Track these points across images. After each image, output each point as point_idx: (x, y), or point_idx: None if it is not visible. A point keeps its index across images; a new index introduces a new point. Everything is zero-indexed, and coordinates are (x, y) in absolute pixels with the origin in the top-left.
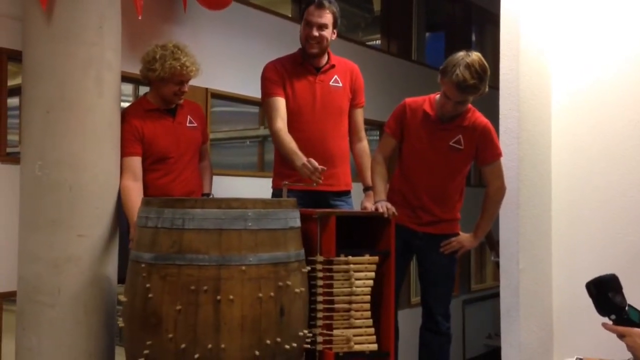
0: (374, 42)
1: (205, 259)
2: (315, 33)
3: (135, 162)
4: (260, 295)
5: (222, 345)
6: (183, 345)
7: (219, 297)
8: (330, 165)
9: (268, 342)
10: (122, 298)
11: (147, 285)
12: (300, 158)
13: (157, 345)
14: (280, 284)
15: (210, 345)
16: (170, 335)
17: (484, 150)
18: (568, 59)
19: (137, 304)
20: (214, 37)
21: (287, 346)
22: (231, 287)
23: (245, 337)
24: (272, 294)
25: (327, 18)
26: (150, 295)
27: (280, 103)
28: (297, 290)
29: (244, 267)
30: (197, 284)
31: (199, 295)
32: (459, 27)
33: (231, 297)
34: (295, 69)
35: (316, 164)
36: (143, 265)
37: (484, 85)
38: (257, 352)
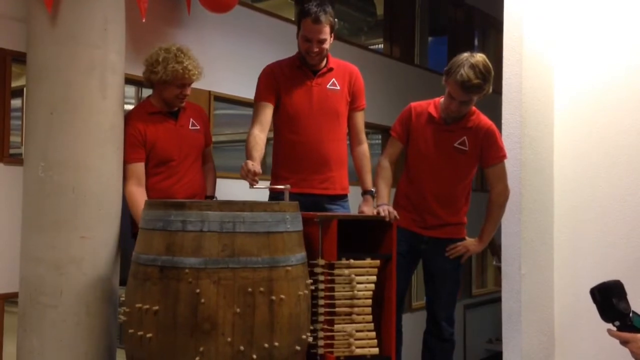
0: (377, 46)
1: (258, 262)
2: (316, 49)
3: (139, 168)
4: (300, 293)
5: (276, 344)
6: (242, 348)
7: (273, 298)
8: (326, 169)
9: (304, 336)
10: (143, 306)
11: (197, 290)
12: (246, 160)
13: (211, 350)
14: (307, 281)
15: (266, 345)
16: (229, 339)
17: (487, 152)
18: (571, 64)
19: (182, 311)
20: (217, 40)
21: (310, 339)
22: (280, 287)
23: (291, 333)
24: (305, 291)
25: (326, 32)
26: (202, 300)
27: (265, 109)
28: (312, 287)
29: (289, 268)
30: (253, 286)
31: (255, 297)
32: (461, 31)
33: (282, 296)
34: (293, 72)
35: (250, 166)
36: (187, 270)
37: (488, 85)
38: (297, 347)
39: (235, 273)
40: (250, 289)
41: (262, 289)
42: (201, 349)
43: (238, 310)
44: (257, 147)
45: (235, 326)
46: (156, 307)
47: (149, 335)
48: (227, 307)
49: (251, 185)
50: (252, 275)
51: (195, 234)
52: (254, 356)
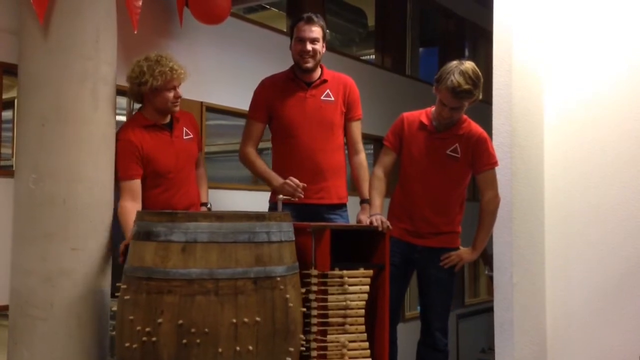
0: (368, 56)
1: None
2: (309, 47)
3: (136, 185)
4: None
5: (312, 335)
6: (304, 342)
7: (309, 296)
8: (321, 179)
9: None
10: (239, 320)
11: (287, 296)
12: (276, 178)
13: (294, 349)
14: None
15: (310, 337)
16: (301, 335)
17: (478, 158)
18: (561, 74)
19: (279, 317)
20: (209, 51)
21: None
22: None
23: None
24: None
25: (318, 32)
26: (290, 305)
27: (256, 127)
28: (305, 297)
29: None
30: (304, 286)
31: (308, 296)
32: (452, 42)
33: (310, 295)
34: (287, 85)
35: (297, 181)
36: (278, 278)
37: (478, 91)
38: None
39: (298, 277)
40: (304, 290)
41: (309, 289)
42: (291, 349)
43: (304, 310)
44: (264, 163)
45: (304, 324)
46: (258, 318)
47: (250, 347)
48: (299, 308)
49: (298, 199)
50: (305, 279)
51: (278, 244)
52: (305, 348)
